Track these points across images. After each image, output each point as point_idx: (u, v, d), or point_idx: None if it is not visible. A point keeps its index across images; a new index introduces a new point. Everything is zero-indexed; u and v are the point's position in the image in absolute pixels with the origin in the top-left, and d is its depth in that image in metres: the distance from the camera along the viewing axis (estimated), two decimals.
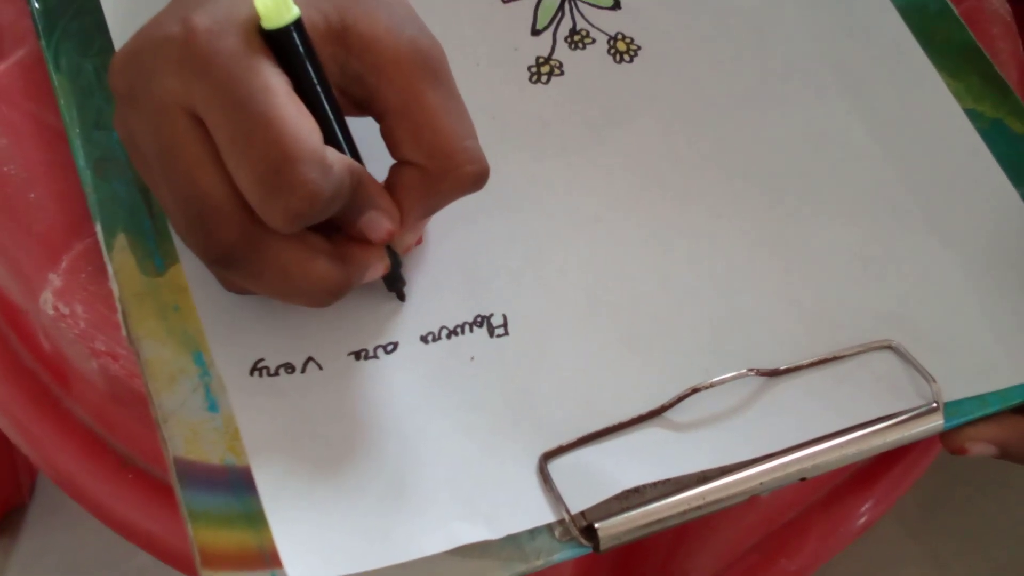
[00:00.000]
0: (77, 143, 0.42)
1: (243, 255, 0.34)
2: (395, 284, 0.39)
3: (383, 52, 0.35)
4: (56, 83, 0.42)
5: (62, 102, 0.42)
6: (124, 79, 0.34)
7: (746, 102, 0.45)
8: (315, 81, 0.35)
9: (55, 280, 0.41)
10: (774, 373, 0.40)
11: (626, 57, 0.46)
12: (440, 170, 0.35)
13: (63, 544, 0.72)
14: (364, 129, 0.37)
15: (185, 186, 0.33)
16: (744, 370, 0.39)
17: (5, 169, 0.43)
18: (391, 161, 0.37)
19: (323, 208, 0.33)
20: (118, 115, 0.35)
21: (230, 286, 0.37)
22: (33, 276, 0.42)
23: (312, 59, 0.34)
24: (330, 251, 0.35)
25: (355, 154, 0.36)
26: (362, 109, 0.37)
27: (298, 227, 0.33)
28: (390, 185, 0.36)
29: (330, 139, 0.35)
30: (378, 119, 0.36)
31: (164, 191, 0.34)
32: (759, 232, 0.43)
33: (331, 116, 0.35)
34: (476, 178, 0.36)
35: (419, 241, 0.40)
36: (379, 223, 0.36)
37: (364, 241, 0.36)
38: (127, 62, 0.34)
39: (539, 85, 0.45)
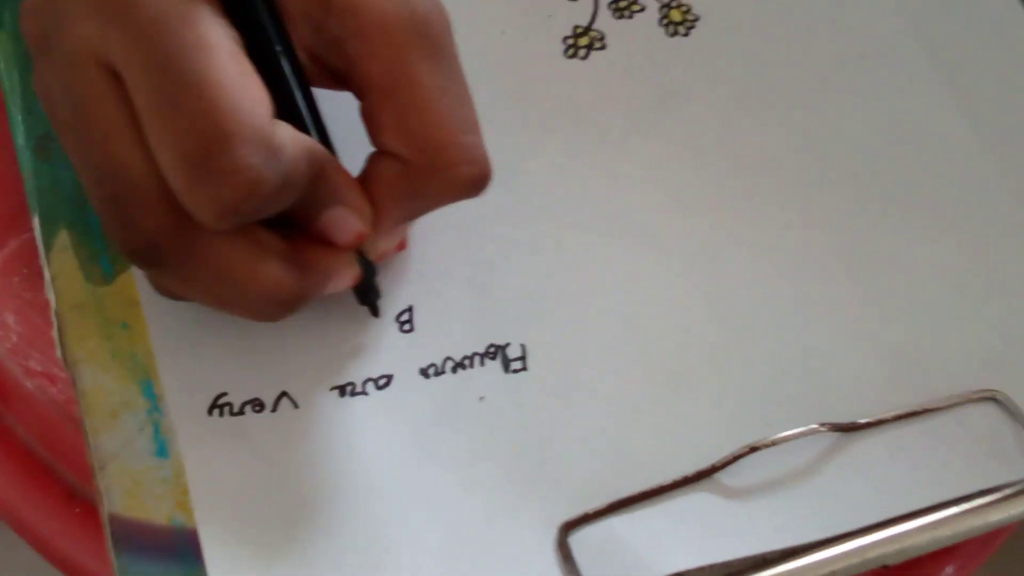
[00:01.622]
0: (17, 116, 0.36)
1: (171, 250, 0.29)
2: (367, 296, 0.34)
3: (370, 13, 0.30)
4: None
5: (1, 66, 0.37)
6: (37, 22, 0.30)
7: (822, 88, 0.40)
8: (272, 38, 0.29)
9: None
10: (851, 428, 0.35)
11: (681, 29, 0.40)
12: (427, 167, 0.30)
13: None
14: (340, 106, 0.32)
15: (99, 158, 0.29)
16: (814, 424, 0.34)
17: None
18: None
19: (266, 202, 0.28)
20: (36, 69, 0.30)
21: (162, 288, 0.32)
22: None
23: (271, 9, 0.29)
24: (284, 252, 0.30)
25: (322, 134, 0.31)
26: (340, 82, 0.31)
27: (231, 225, 0.28)
28: (365, 178, 0.31)
29: (287, 114, 0.29)
30: (358, 96, 0.31)
31: (78, 162, 0.30)
32: (835, 249, 0.37)
33: (291, 84, 0.30)
34: (472, 182, 0.30)
35: (401, 246, 0.34)
36: (345, 223, 0.30)
37: (327, 243, 0.31)
38: (41, 1, 0.29)
39: (576, 60, 0.39)
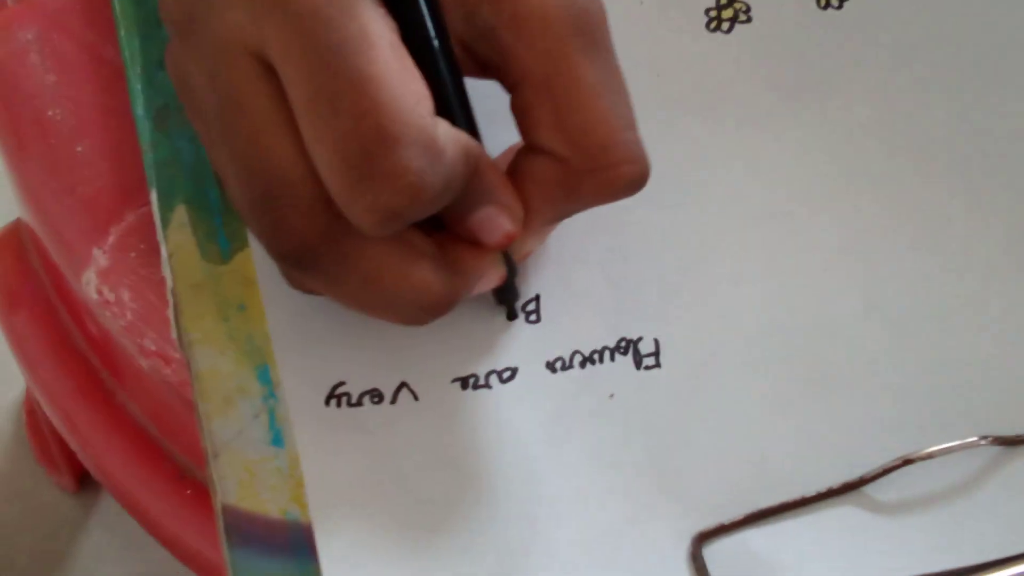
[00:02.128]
0: (137, 86, 0.35)
1: (322, 254, 0.28)
2: (507, 297, 0.32)
3: (528, 3, 0.28)
4: (117, 7, 0.36)
5: (123, 33, 0.36)
6: (179, 3, 0.29)
7: (991, 68, 0.37)
8: (431, 31, 0.28)
9: (100, 258, 0.35)
10: (1017, 442, 0.33)
11: (834, 1, 0.38)
12: (587, 166, 0.28)
13: None
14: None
15: (249, 155, 0.27)
16: (976, 437, 0.32)
17: (50, 113, 0.37)
18: (503, 137, 0.30)
19: (428, 206, 0.27)
20: (170, 50, 0.29)
21: (298, 285, 0.31)
22: (76, 248, 0.36)
23: (430, 0, 0.28)
24: (435, 255, 0.29)
25: (472, 129, 0.29)
26: (487, 72, 0.30)
27: (391, 230, 0.27)
28: (516, 175, 0.30)
29: (442, 107, 0.28)
30: (509, 88, 0.29)
31: (223, 156, 0.28)
32: (1004, 244, 0.35)
33: (447, 79, 0.28)
34: (632, 182, 0.29)
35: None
36: (497, 223, 0.29)
37: (474, 243, 0.29)
38: None
39: (718, 34, 0.37)
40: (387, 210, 0.26)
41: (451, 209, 0.28)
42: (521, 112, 0.29)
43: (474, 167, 0.28)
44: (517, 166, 0.30)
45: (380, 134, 0.25)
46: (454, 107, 0.29)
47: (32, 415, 0.70)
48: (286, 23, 0.26)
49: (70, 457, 0.69)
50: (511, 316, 0.33)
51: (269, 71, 0.27)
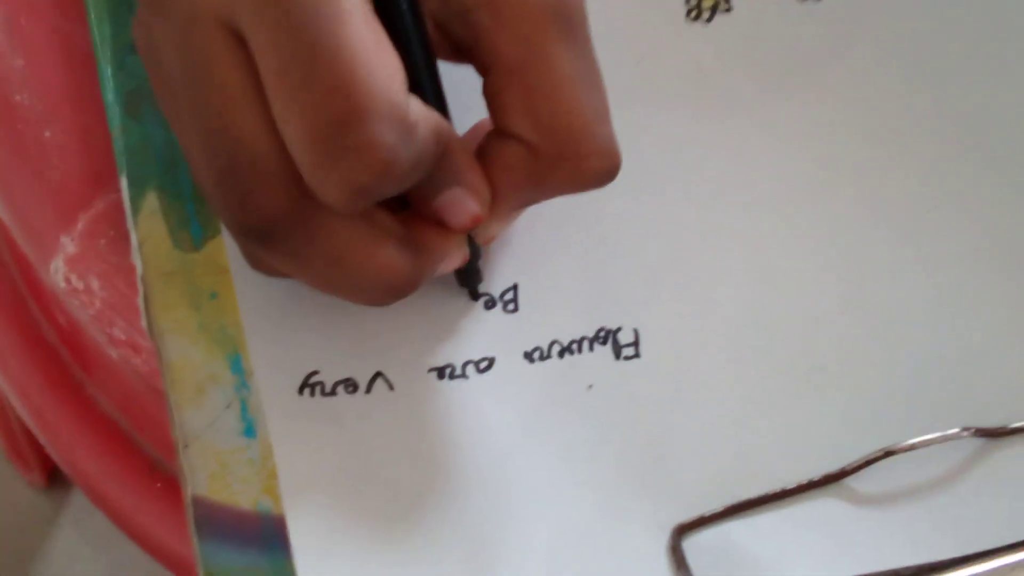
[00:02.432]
0: (107, 70, 0.34)
1: (286, 230, 0.27)
2: (470, 280, 0.32)
3: None
4: None
5: (92, 16, 0.35)
6: None
7: (970, 57, 0.37)
8: (404, 5, 0.28)
9: (68, 245, 0.34)
10: (998, 433, 0.32)
11: None
12: (556, 155, 0.28)
13: None
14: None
15: (215, 127, 0.27)
16: (957, 428, 0.32)
17: (18, 98, 0.36)
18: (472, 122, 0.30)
19: (398, 183, 0.26)
20: (139, 20, 0.29)
21: (258, 264, 0.30)
22: (44, 236, 0.35)
23: None
24: (400, 235, 0.28)
25: (442, 109, 0.29)
26: (461, 55, 0.29)
27: (360, 207, 0.26)
28: (484, 159, 0.29)
29: (414, 86, 0.27)
30: (482, 71, 0.29)
31: (188, 128, 0.28)
32: (985, 235, 0.35)
33: (419, 57, 0.28)
34: (602, 175, 0.29)
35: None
36: (464, 205, 0.29)
37: (439, 224, 0.29)
38: None
39: (699, 24, 0.37)
40: (357, 186, 0.25)
41: (418, 189, 0.28)
42: (493, 96, 0.29)
43: (444, 147, 0.27)
44: (486, 150, 0.29)
45: (352, 107, 0.25)
46: (425, 85, 0.28)
47: (1, 411, 0.69)
48: None
49: (40, 453, 0.69)
50: (474, 297, 0.32)
51: (240, 42, 0.26)
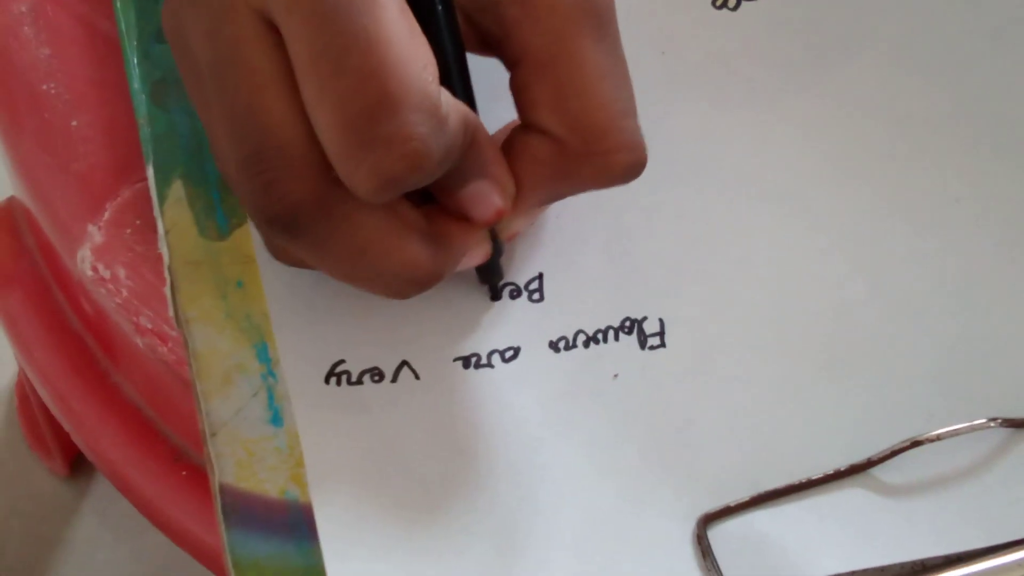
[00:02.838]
0: (133, 59, 0.34)
1: (310, 221, 0.27)
2: (491, 277, 0.32)
3: None
4: None
5: (118, 5, 0.35)
6: None
7: (995, 44, 0.36)
8: None
9: (95, 234, 0.34)
10: None
11: None
12: (583, 150, 0.28)
13: None
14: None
15: (243, 113, 0.26)
16: (984, 419, 0.32)
17: (44, 87, 0.36)
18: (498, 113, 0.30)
19: (428, 174, 0.26)
20: (168, 5, 0.28)
21: (280, 254, 0.30)
22: (70, 225, 0.35)
23: None
24: (423, 228, 0.28)
25: (470, 102, 0.29)
26: (488, 48, 0.29)
27: (388, 197, 0.26)
28: (510, 153, 0.29)
29: (443, 78, 0.27)
30: (509, 65, 0.29)
31: (215, 114, 0.27)
32: (1011, 224, 0.34)
33: (449, 48, 0.28)
34: (628, 170, 0.28)
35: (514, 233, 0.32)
36: (489, 199, 0.28)
37: (463, 218, 0.29)
38: None
39: (725, 11, 0.36)
40: (388, 176, 0.25)
41: (443, 181, 0.28)
42: (520, 90, 0.28)
43: (471, 139, 0.27)
44: (512, 144, 0.29)
45: (385, 96, 0.25)
46: (455, 78, 0.28)
47: (24, 400, 0.69)
48: None
49: (62, 441, 0.69)
50: (494, 296, 0.32)
51: (271, 29, 0.26)
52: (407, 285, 0.28)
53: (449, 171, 0.27)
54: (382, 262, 0.27)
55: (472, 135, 0.27)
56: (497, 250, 0.30)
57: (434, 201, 0.29)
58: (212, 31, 0.27)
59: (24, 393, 0.68)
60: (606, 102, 0.28)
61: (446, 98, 0.26)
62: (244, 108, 0.26)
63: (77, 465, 0.71)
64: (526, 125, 0.29)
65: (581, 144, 0.28)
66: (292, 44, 0.26)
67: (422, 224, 0.28)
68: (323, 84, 0.25)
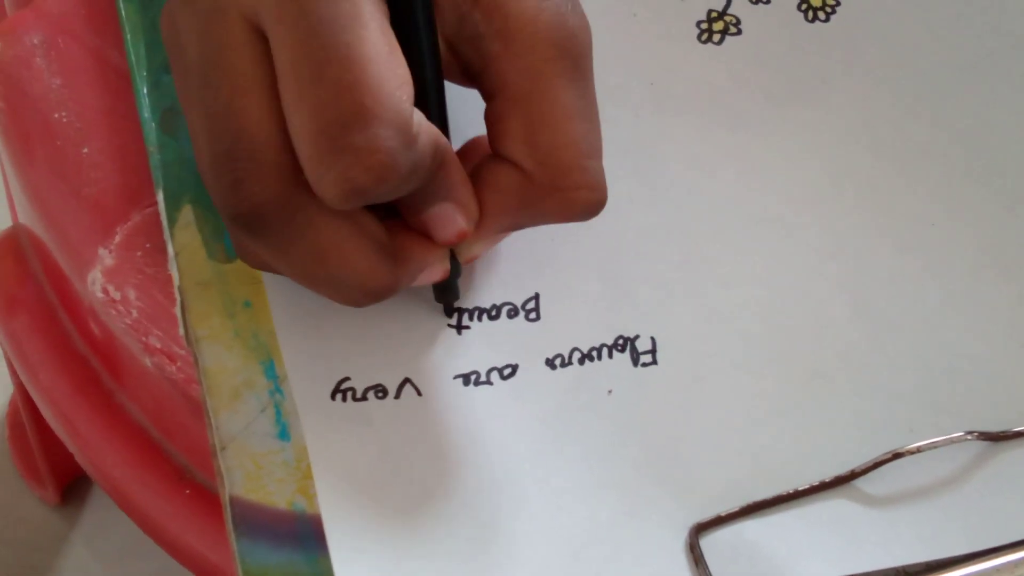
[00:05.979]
0: (143, 89, 0.35)
1: (273, 220, 0.28)
2: (447, 295, 0.32)
3: (519, 18, 0.29)
4: (123, 12, 0.36)
5: (128, 37, 0.36)
6: None
7: (971, 77, 0.38)
8: (420, 21, 0.29)
9: (106, 257, 0.35)
10: (1001, 437, 0.33)
11: (820, 15, 0.38)
12: (548, 184, 0.29)
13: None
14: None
15: (221, 111, 0.28)
16: (962, 432, 0.32)
17: (56, 116, 0.37)
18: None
19: (393, 188, 0.27)
20: (167, 7, 0.29)
21: (245, 255, 0.31)
22: (81, 249, 0.36)
23: None
24: (382, 240, 0.29)
25: (444, 127, 0.30)
26: (468, 78, 0.30)
27: (353, 205, 0.27)
28: (478, 179, 0.30)
29: (419, 101, 0.28)
30: (486, 97, 0.30)
31: (196, 112, 0.28)
32: (984, 248, 0.35)
33: (428, 73, 0.29)
34: (589, 207, 0.29)
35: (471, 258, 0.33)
36: (452, 220, 0.30)
37: (424, 236, 0.30)
38: None
39: (710, 45, 0.38)
40: (354, 184, 0.26)
41: (409, 199, 0.29)
42: (495, 121, 0.29)
43: (440, 161, 0.28)
44: (481, 172, 0.30)
45: (359, 108, 0.26)
46: (431, 101, 0.29)
47: (15, 428, 0.69)
48: None
49: (54, 470, 0.69)
50: (449, 313, 0.33)
51: (259, 37, 0.27)
52: (361, 293, 0.29)
53: (416, 191, 0.28)
54: (339, 268, 0.28)
55: (441, 158, 0.28)
56: (455, 271, 0.31)
57: (399, 218, 0.30)
58: (203, 32, 0.28)
59: (16, 421, 0.68)
60: (574, 141, 0.29)
61: (419, 118, 0.27)
62: (223, 107, 0.27)
63: (68, 494, 0.71)
64: (496, 155, 0.30)
65: (547, 178, 0.29)
66: (276, 49, 0.27)
67: (382, 236, 0.29)
68: (302, 90, 0.26)
